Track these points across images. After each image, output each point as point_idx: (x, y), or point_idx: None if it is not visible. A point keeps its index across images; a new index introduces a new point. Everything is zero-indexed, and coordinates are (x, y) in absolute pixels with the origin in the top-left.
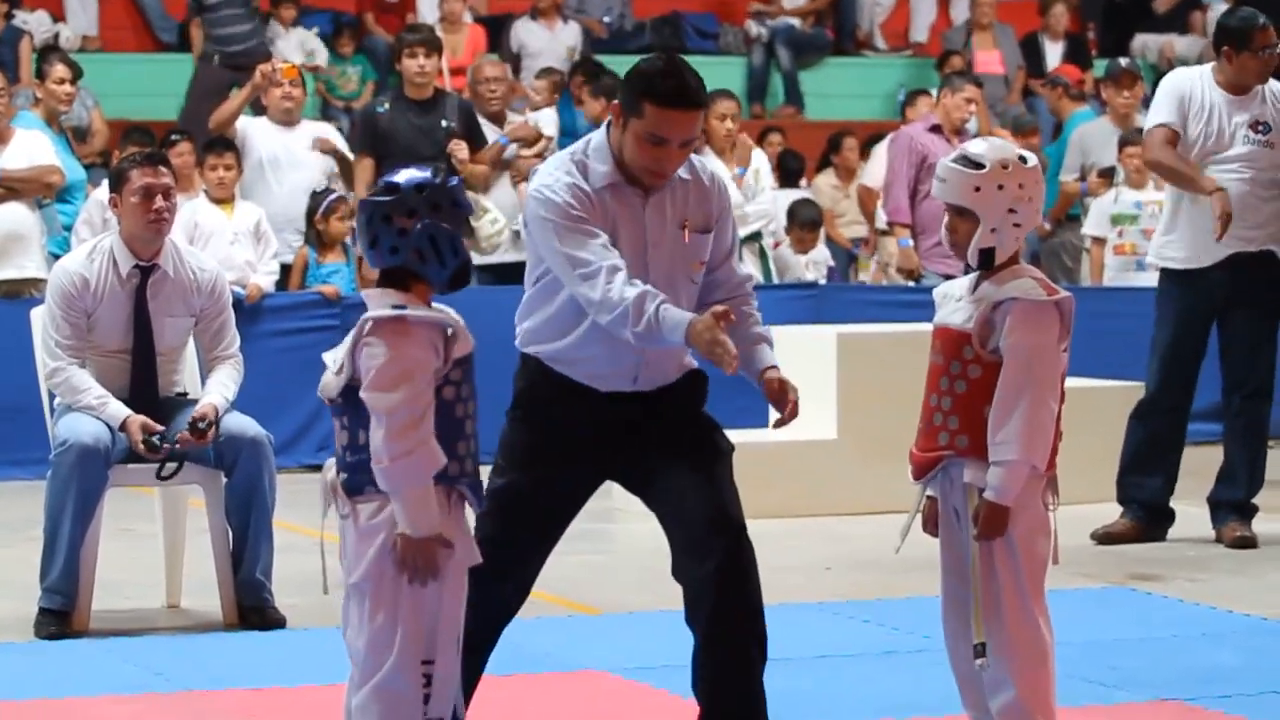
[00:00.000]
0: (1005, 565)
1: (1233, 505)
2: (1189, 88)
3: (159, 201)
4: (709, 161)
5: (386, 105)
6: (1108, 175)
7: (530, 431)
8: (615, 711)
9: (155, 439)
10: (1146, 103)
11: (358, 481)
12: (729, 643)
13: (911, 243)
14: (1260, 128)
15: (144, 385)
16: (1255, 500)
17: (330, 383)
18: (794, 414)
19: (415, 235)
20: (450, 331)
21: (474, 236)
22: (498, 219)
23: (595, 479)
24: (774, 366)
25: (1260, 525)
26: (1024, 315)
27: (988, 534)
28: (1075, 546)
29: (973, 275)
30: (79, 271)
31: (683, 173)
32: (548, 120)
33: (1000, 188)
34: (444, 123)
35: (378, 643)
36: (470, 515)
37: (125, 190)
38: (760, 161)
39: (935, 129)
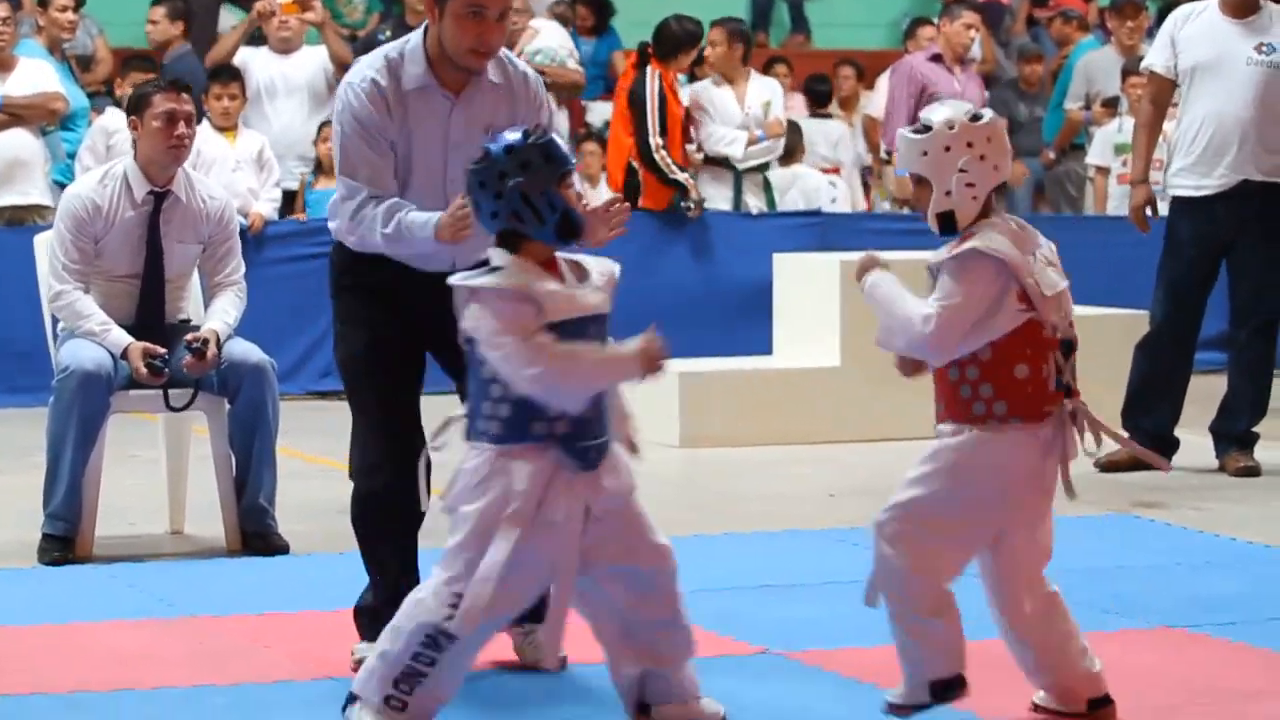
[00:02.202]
0: None
1: (1235, 436)
2: (1183, 22)
3: (181, 128)
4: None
5: (389, 33)
6: (1112, 105)
7: (360, 294)
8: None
9: (158, 362)
10: (1151, 32)
11: (470, 428)
12: None
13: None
14: (1265, 49)
15: (151, 310)
16: (1257, 429)
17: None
18: None
19: (508, 197)
20: (545, 301)
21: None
22: None
23: (420, 345)
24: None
25: (1264, 454)
26: (948, 270)
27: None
28: (1079, 474)
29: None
30: (90, 197)
31: (495, 76)
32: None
33: (947, 149)
34: None
35: (454, 562)
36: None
37: (147, 114)
38: (772, 93)
39: (936, 58)
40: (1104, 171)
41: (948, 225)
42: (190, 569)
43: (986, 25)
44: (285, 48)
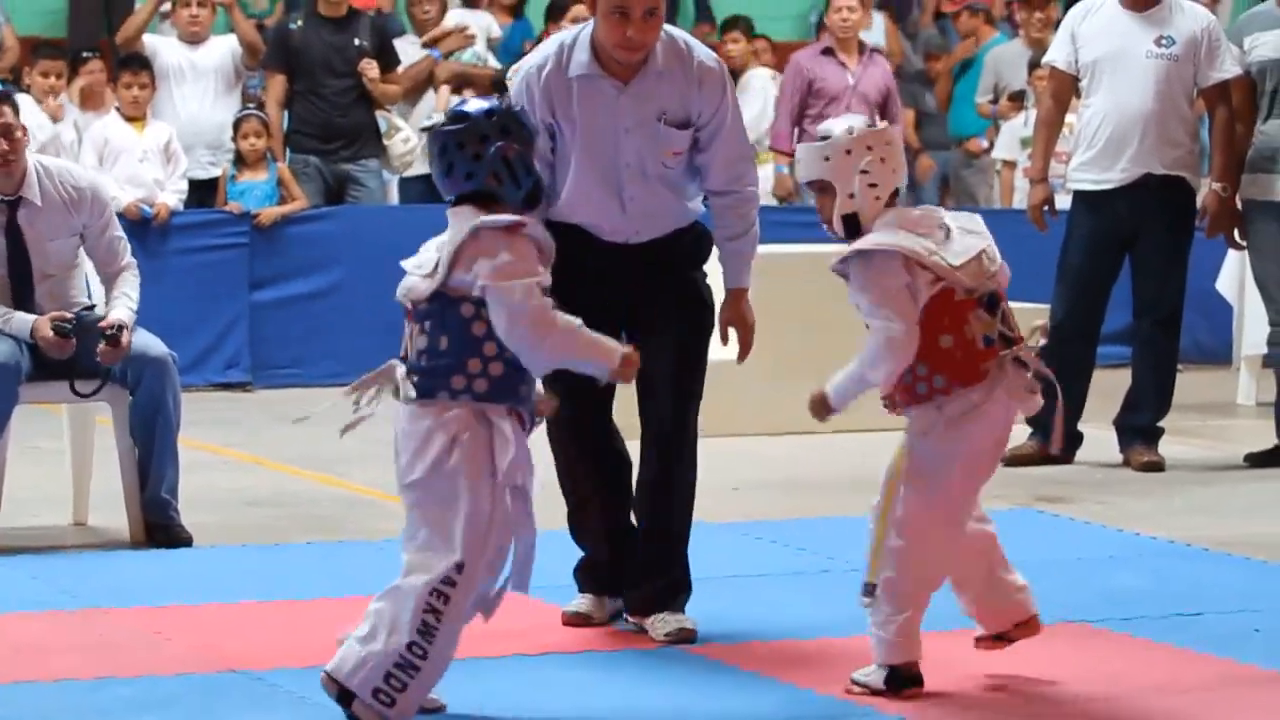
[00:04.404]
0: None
1: (1139, 430)
2: (1083, 17)
3: (1, 145)
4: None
5: (299, 22)
6: (1018, 98)
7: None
8: (522, 629)
9: (66, 325)
10: (1059, 24)
11: (430, 386)
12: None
13: (787, 169)
14: (1164, 41)
15: (29, 311)
16: (1161, 423)
17: (418, 286)
18: (740, 353)
19: (489, 159)
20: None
21: (386, 155)
22: (409, 137)
23: (613, 314)
24: (737, 290)
25: (1167, 448)
26: (850, 283)
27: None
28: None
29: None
30: None
31: (665, 64)
32: (472, 18)
33: (848, 152)
34: (356, 41)
35: (433, 538)
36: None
37: None
38: None
39: (828, 51)
40: (1010, 165)
41: (852, 227)
42: (93, 561)
43: (894, 18)
44: (194, 39)
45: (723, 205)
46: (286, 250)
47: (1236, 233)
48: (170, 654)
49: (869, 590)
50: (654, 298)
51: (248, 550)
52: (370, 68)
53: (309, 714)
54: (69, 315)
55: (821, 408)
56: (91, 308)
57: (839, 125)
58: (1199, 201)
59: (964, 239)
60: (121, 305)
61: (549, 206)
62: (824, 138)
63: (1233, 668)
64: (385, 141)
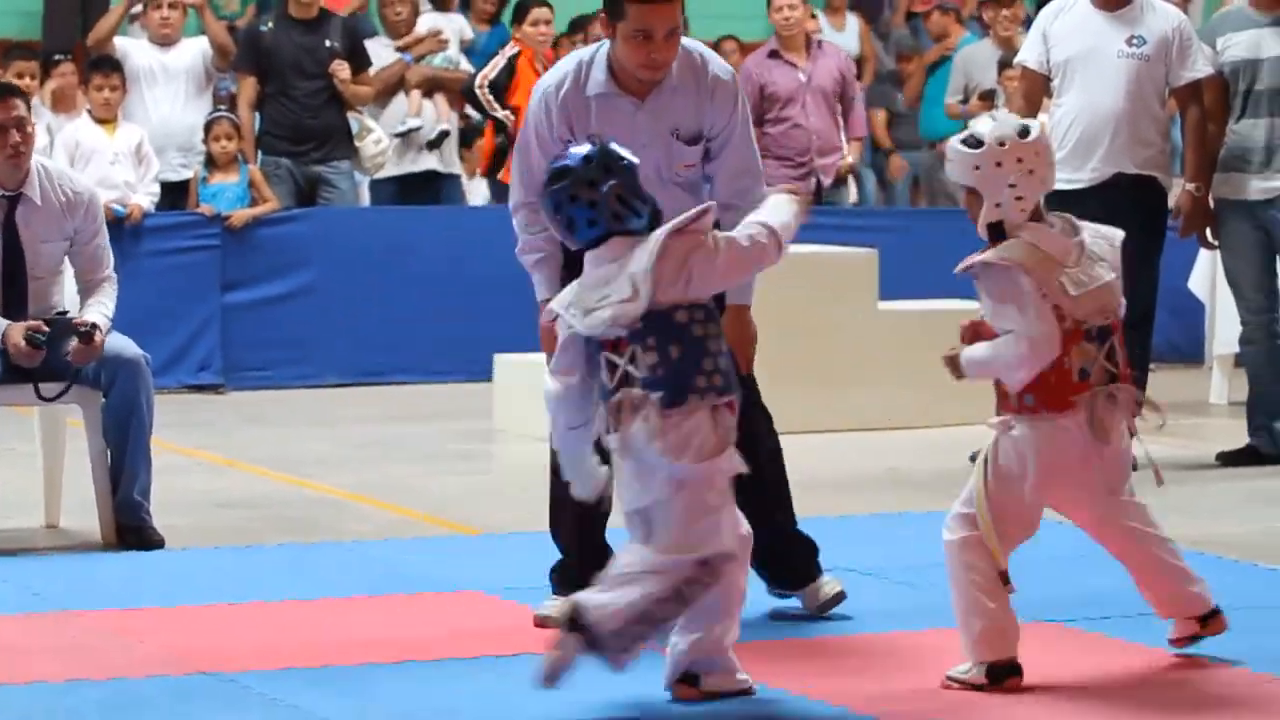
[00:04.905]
0: None
1: None
2: (1054, 16)
3: (14, 136)
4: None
5: (270, 24)
6: (988, 98)
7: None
8: (491, 631)
9: (39, 336)
10: (1028, 23)
11: (676, 393)
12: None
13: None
14: (1135, 41)
15: (14, 311)
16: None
17: (626, 312)
18: (742, 367)
19: (603, 202)
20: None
21: (358, 157)
22: (381, 139)
23: None
24: (739, 306)
25: (1138, 447)
26: (986, 293)
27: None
28: (955, 469)
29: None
30: None
31: (680, 80)
32: (445, 22)
33: (998, 164)
34: (327, 43)
35: (699, 528)
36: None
37: None
38: None
39: (774, 54)
40: None
41: (997, 234)
42: (65, 563)
43: (866, 19)
44: (165, 41)
45: (728, 220)
46: (258, 252)
47: (1209, 232)
48: (142, 656)
49: (1004, 579)
50: None
51: (220, 552)
52: (341, 69)
53: (281, 715)
54: (44, 327)
55: (954, 367)
56: (65, 313)
57: (991, 133)
58: (1171, 201)
59: (1093, 267)
60: (97, 309)
61: None
62: (976, 143)
63: (1204, 666)
64: (357, 143)
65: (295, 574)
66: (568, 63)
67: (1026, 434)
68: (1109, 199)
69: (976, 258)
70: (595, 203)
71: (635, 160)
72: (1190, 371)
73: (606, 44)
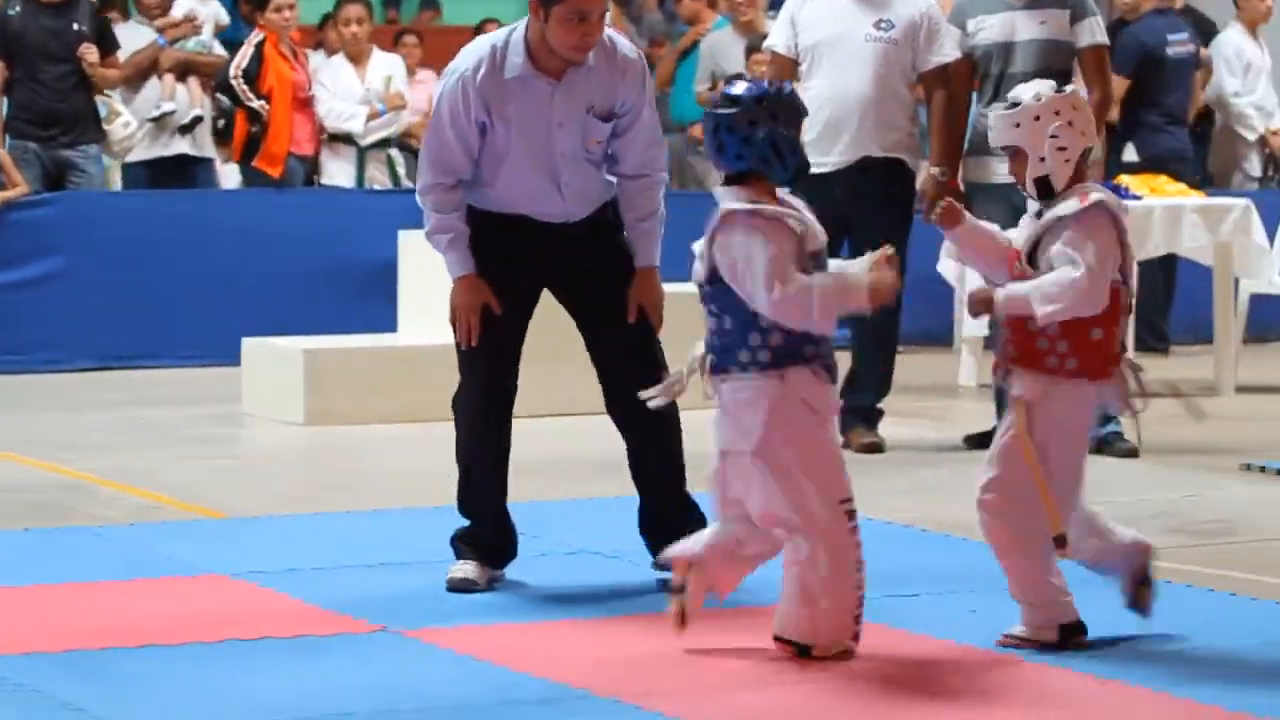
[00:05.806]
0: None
1: (860, 411)
2: (803, 1)
3: None
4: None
5: (17, 8)
6: None
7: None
8: (236, 615)
9: None
10: (775, 5)
11: (722, 362)
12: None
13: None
14: (883, 25)
15: None
16: (882, 405)
17: (696, 268)
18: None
19: (759, 143)
20: (800, 229)
21: (107, 140)
22: (130, 122)
23: (536, 288)
24: (648, 268)
25: (887, 430)
26: (1077, 226)
27: (973, 309)
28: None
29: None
30: None
31: (594, 60)
32: (201, 7)
33: (1037, 119)
34: (75, 25)
35: (794, 498)
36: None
37: None
38: (394, 68)
39: None
40: None
41: (1045, 189)
42: None
43: (619, 3)
44: None
45: (635, 188)
46: (7, 237)
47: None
48: None
49: (1061, 541)
50: (598, 279)
51: (27, 535)
52: (89, 52)
53: (24, 700)
54: None
55: (984, 305)
56: None
57: (1027, 91)
58: (918, 184)
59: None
60: None
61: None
62: (1014, 104)
63: (951, 648)
64: (105, 126)
65: (41, 558)
66: (480, 47)
67: (1070, 394)
68: (856, 182)
69: (1085, 200)
70: (749, 140)
71: (805, 111)
72: (939, 354)
73: (519, 28)
